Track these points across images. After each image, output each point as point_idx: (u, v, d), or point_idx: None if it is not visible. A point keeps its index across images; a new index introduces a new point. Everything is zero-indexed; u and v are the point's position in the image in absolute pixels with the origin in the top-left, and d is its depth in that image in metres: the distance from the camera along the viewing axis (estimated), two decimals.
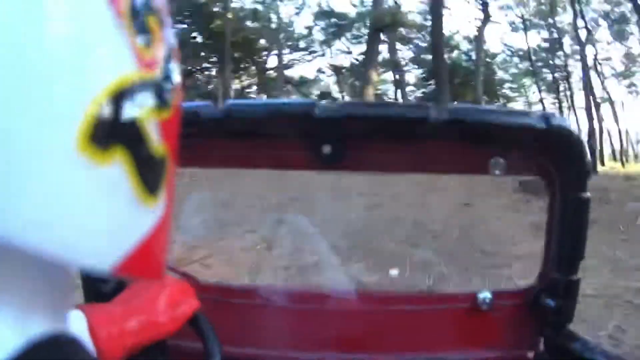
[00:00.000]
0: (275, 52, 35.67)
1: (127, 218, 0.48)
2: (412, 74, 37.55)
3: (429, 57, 32.79)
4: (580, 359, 1.60)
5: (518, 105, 37.74)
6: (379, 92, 35.26)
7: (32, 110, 0.40)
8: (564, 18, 32.77)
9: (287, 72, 36.96)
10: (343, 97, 36.92)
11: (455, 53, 33.57)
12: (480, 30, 28.11)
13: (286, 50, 36.17)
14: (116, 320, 1.14)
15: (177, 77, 0.53)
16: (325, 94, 37.76)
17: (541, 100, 35.10)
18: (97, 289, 1.62)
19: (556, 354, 1.72)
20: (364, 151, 1.62)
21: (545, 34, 34.71)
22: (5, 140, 0.39)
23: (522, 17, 33.23)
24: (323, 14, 34.07)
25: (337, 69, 37.17)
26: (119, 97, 0.45)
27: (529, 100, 37.60)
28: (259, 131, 1.59)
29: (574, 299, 1.69)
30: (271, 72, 36.27)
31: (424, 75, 35.77)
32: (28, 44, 0.40)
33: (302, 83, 37.56)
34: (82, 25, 0.43)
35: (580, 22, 30.44)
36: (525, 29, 33.50)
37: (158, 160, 0.51)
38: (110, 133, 0.45)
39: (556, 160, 1.57)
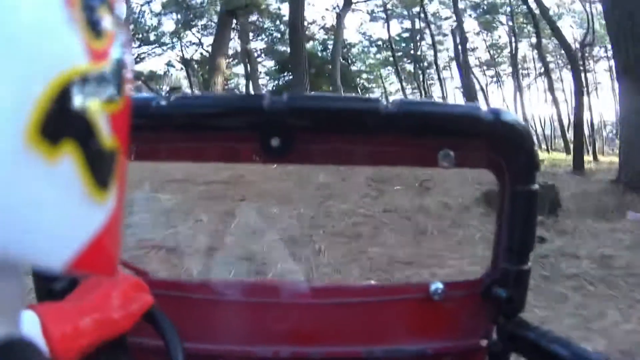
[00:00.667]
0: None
1: (79, 214, 0.49)
2: (264, 66, 37.75)
3: (282, 48, 32.81)
4: (533, 345, 1.72)
5: (376, 94, 38.45)
6: (229, 84, 34.86)
7: None
8: (429, 8, 33.93)
9: (136, 67, 35.97)
10: (193, 91, 36.46)
11: (310, 43, 33.93)
12: (340, 17, 28.17)
13: (135, 44, 35.20)
14: (70, 319, 1.14)
15: (127, 69, 0.55)
16: (175, 89, 37.19)
17: (402, 90, 36.10)
18: (49, 288, 1.61)
19: (509, 342, 1.83)
20: (312, 144, 1.68)
21: (407, 23, 35.76)
22: None
23: (383, 5, 33.96)
24: (173, 2, 33.38)
25: (186, 62, 36.71)
26: (69, 88, 0.46)
27: (386, 91, 38.56)
28: (207, 124, 1.61)
29: (525, 288, 1.81)
30: None
31: (276, 66, 36.01)
32: None
33: (151, 77, 36.80)
34: (31, 16, 0.44)
35: (446, 12, 31.58)
36: (387, 18, 34.28)
37: (109, 153, 0.52)
38: (60, 126, 0.46)
39: (505, 153, 1.67)
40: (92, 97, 0.48)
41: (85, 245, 0.50)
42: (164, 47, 36.60)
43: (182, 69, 38.19)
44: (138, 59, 35.74)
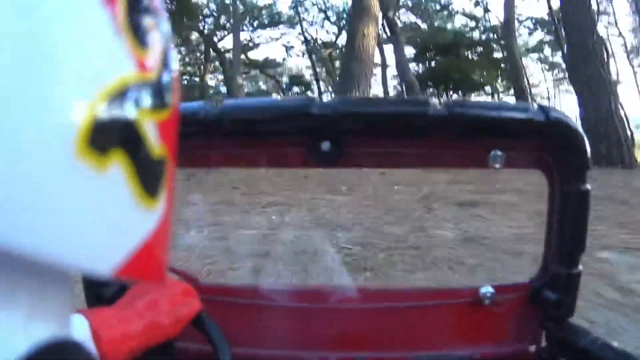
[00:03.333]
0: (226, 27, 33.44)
1: (128, 221, 0.53)
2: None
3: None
4: (583, 351, 1.78)
5: None
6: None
7: (28, 115, 0.44)
8: None
9: (252, 54, 35.30)
10: (318, 80, 35.19)
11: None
12: None
13: (247, 28, 34.38)
14: (119, 324, 1.22)
15: (174, 77, 0.58)
16: (296, 77, 36.56)
17: None
18: (99, 293, 1.77)
19: (558, 348, 1.91)
20: (362, 147, 1.77)
21: None
22: (3, 146, 0.43)
23: None
24: None
25: (309, 43, 35.15)
26: (117, 99, 0.49)
27: None
28: (256, 130, 1.72)
29: (575, 292, 1.88)
30: (229, 54, 33.80)
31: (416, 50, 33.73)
32: (23, 49, 0.43)
33: (266, 65, 35.92)
34: (78, 28, 0.47)
35: None
36: None
37: (157, 162, 0.55)
38: (109, 136, 0.49)
39: (555, 153, 1.75)
40: (140, 107, 0.52)
41: (134, 251, 0.53)
42: (281, 28, 35.09)
43: (303, 54, 36.69)
44: (252, 45, 34.75)
